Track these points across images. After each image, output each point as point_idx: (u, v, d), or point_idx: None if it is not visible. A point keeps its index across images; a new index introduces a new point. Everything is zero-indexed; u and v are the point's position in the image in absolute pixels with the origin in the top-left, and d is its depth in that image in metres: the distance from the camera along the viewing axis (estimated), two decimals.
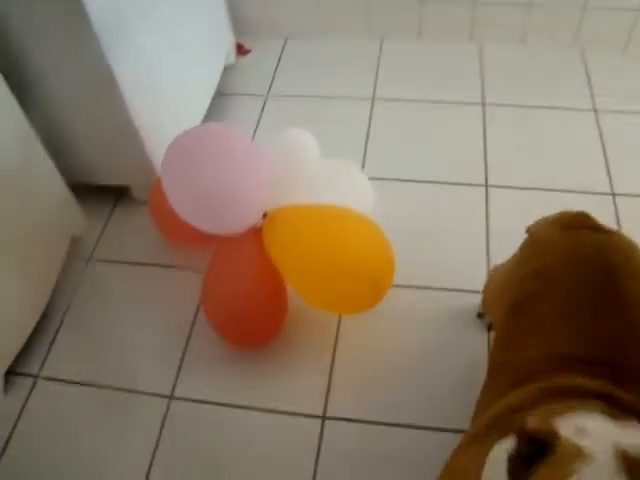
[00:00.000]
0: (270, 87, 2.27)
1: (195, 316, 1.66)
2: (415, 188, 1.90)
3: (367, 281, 1.38)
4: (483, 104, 2.12)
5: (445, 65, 2.28)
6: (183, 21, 1.89)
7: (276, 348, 1.57)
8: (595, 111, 2.07)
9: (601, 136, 1.99)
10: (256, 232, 1.49)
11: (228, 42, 2.30)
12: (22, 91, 1.52)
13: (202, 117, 2.03)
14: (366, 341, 1.58)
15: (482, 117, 2.08)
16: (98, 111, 1.63)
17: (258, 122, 2.14)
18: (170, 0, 1.78)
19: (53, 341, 1.65)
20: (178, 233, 1.68)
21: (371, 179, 1.83)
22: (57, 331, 1.67)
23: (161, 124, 1.75)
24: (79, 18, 1.38)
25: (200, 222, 1.44)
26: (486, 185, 1.88)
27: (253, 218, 1.47)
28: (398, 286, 1.55)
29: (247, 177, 1.41)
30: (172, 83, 1.85)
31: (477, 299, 1.53)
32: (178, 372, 1.56)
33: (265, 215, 1.50)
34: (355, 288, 1.39)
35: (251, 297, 1.46)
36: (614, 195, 1.82)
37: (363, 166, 1.96)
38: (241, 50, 2.40)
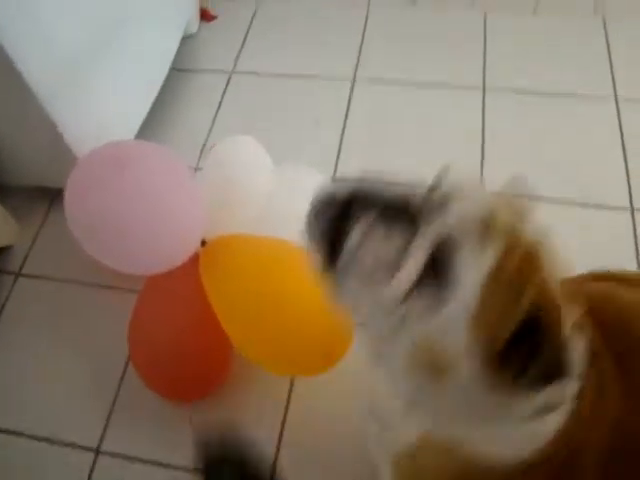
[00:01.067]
0: (236, 62, 1.96)
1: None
2: None
3: (317, 346, 1.12)
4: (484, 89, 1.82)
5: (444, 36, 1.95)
6: None
7: (223, 399, 1.32)
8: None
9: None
10: (194, 262, 1.22)
11: (190, 7, 1.97)
12: None
13: (153, 99, 1.72)
14: (319, 408, 1.31)
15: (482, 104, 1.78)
16: (10, 107, 1.35)
17: (219, 105, 1.84)
18: None
19: None
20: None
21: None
22: None
23: (95, 113, 1.47)
24: None
25: (122, 264, 1.18)
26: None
27: (186, 250, 1.21)
28: None
29: (176, 204, 1.14)
30: (111, 60, 1.54)
31: None
32: (107, 421, 1.33)
33: (204, 243, 1.24)
34: (301, 351, 1.13)
35: (184, 341, 1.20)
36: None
37: (336, 165, 1.68)
38: (206, 16, 2.07)
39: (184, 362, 1.21)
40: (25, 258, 1.60)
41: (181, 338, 1.20)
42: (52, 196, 1.66)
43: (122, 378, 1.38)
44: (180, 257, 1.21)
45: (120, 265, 1.21)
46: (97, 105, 1.50)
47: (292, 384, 1.33)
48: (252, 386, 1.32)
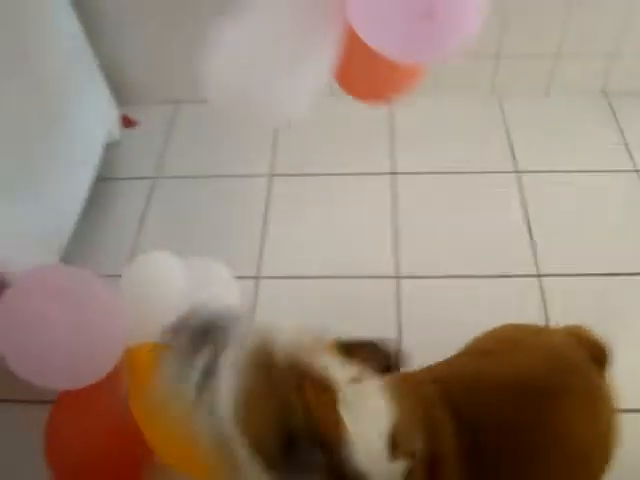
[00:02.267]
0: (160, 166, 2.05)
1: None
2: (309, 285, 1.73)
3: None
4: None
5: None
6: (42, 97, 1.66)
7: None
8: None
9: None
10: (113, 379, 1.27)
11: (110, 115, 2.07)
12: None
13: (79, 210, 1.78)
14: None
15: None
16: None
17: (144, 212, 1.92)
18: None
19: None
20: None
21: (268, 277, 1.73)
22: None
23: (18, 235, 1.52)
24: None
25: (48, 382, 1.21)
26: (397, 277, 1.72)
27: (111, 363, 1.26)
28: None
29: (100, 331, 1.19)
30: (33, 175, 1.61)
31: None
32: None
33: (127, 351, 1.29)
34: None
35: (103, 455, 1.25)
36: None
37: (261, 256, 1.77)
38: (126, 122, 2.16)
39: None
40: None
41: (100, 448, 1.24)
42: None
43: None
44: (104, 368, 1.25)
45: (45, 380, 1.24)
46: (21, 226, 1.55)
47: None
48: None
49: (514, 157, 1.97)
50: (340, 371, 0.81)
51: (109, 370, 1.25)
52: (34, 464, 1.34)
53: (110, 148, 2.06)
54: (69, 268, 1.36)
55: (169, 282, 1.37)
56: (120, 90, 2.13)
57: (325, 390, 0.78)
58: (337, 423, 0.76)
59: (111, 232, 1.86)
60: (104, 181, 1.98)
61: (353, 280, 1.70)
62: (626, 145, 1.98)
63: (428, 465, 0.87)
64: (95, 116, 1.95)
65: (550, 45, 2.02)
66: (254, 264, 1.76)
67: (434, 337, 1.33)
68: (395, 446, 0.81)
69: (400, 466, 0.82)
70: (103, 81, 2.02)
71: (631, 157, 1.95)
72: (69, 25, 1.83)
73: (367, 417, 0.81)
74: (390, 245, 1.77)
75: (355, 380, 0.82)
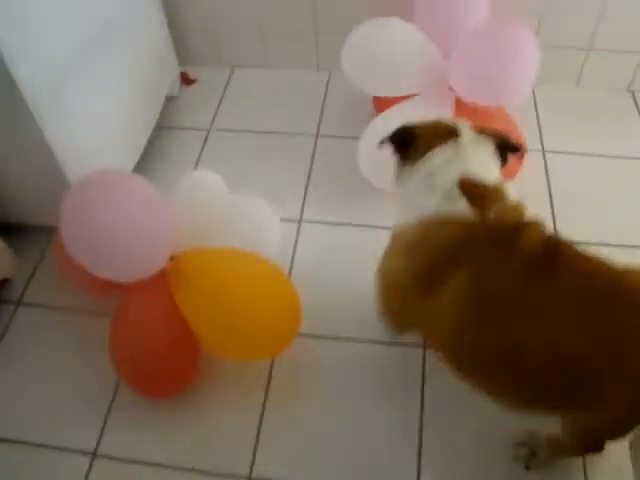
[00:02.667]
0: (213, 121, 2.23)
1: None
2: (351, 230, 1.89)
3: (274, 328, 1.43)
4: None
5: None
6: (121, 51, 1.84)
7: (204, 393, 1.55)
8: None
9: None
10: (163, 276, 1.46)
11: (172, 72, 2.26)
12: None
13: (140, 152, 1.98)
14: (297, 392, 1.57)
15: None
16: (20, 148, 1.58)
17: (199, 158, 2.10)
18: (108, 31, 1.74)
19: None
20: (87, 281, 1.63)
21: (310, 222, 1.89)
22: None
23: (91, 161, 1.70)
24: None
25: (101, 270, 1.40)
26: None
27: (158, 263, 1.44)
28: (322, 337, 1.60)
29: (149, 223, 1.38)
30: (106, 116, 1.80)
31: None
32: (103, 426, 1.52)
33: (172, 258, 1.47)
34: (262, 335, 1.42)
35: (158, 344, 1.44)
36: None
37: (303, 207, 1.95)
38: (186, 80, 2.35)
39: (159, 361, 1.44)
40: (24, 289, 1.79)
41: (155, 340, 1.43)
42: (49, 234, 1.86)
43: (116, 388, 1.58)
44: (153, 267, 1.44)
45: (107, 272, 1.41)
46: (93, 154, 1.74)
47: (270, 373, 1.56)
48: (234, 371, 1.58)
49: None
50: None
51: (159, 267, 1.44)
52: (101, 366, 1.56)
53: (171, 100, 2.25)
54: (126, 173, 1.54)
55: (217, 197, 1.57)
56: (182, 50, 2.32)
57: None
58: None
59: (167, 174, 2.03)
60: (163, 129, 2.17)
61: None
62: None
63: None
64: (160, 71, 2.15)
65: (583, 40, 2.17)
66: (298, 209, 1.94)
67: None
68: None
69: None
70: (170, 39, 2.21)
71: None
72: None
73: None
74: None
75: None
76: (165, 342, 1.44)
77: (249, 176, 2.00)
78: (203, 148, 2.14)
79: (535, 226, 1.17)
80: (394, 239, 1.32)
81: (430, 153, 1.24)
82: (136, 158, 1.96)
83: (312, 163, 2.08)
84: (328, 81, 2.36)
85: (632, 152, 2.07)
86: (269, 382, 1.57)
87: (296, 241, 1.86)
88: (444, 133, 1.26)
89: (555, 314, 1.07)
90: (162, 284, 1.46)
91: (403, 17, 1.79)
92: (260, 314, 1.39)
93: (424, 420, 1.49)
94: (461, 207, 1.17)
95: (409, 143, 1.29)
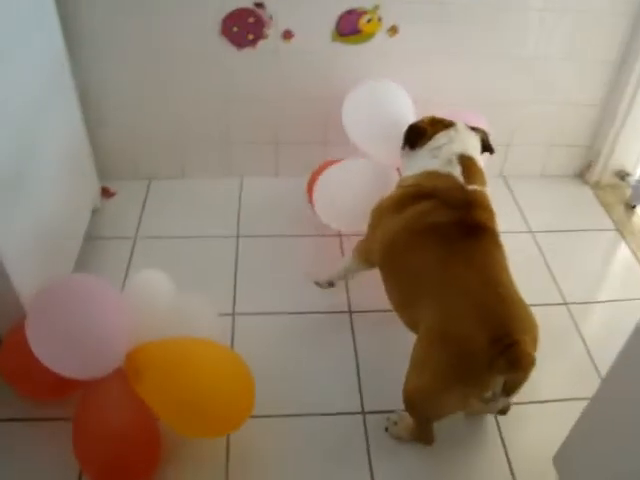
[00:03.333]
0: (138, 229, 2.37)
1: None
2: (281, 320, 2.06)
3: (229, 406, 1.55)
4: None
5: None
6: (43, 168, 1.94)
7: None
8: None
9: None
10: (120, 373, 1.56)
11: (93, 186, 2.39)
12: None
13: (74, 262, 2.07)
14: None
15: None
16: None
17: (129, 264, 2.21)
18: (36, 158, 1.87)
19: None
20: (36, 387, 1.70)
21: (243, 314, 2.04)
22: None
23: (30, 273, 1.77)
24: None
25: (66, 368, 1.49)
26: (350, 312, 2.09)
27: (118, 358, 1.55)
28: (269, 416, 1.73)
29: (110, 322, 1.50)
30: (42, 230, 1.88)
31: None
32: None
33: (127, 355, 1.57)
34: (218, 414, 1.53)
35: (123, 437, 1.50)
36: None
37: (234, 301, 2.10)
38: (106, 193, 2.49)
39: (124, 456, 1.50)
40: None
41: (118, 431, 1.50)
42: None
43: None
44: (113, 364, 1.54)
45: (72, 370, 1.50)
46: (36, 266, 1.82)
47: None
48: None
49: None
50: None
51: (117, 363, 1.54)
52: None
53: (96, 213, 2.38)
54: (88, 276, 1.65)
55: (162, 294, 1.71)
56: (101, 166, 2.47)
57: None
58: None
59: None
60: (92, 240, 2.28)
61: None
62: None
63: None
64: (83, 185, 2.28)
65: None
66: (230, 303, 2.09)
67: None
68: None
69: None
70: (91, 157, 2.36)
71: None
72: (72, 114, 2.19)
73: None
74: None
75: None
76: (128, 437, 1.51)
77: (179, 278, 2.13)
78: (132, 255, 2.26)
79: (484, 211, 1.66)
80: (397, 185, 1.84)
81: (437, 135, 1.80)
82: (70, 267, 2.04)
83: (237, 260, 2.26)
84: (241, 185, 2.59)
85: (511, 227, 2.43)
86: (227, 461, 1.66)
87: (232, 332, 1.99)
88: (444, 125, 1.83)
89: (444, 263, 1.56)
90: (119, 379, 1.55)
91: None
92: (219, 394, 1.51)
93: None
94: (456, 171, 1.70)
95: (421, 135, 1.83)
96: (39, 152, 1.88)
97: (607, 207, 2.63)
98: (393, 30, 2.27)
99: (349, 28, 2.23)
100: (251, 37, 2.22)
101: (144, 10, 2.14)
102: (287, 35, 2.23)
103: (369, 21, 2.23)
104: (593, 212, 2.62)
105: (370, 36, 2.27)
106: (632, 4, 2.31)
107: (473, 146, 1.81)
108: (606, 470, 1.31)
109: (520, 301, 1.51)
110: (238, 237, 2.36)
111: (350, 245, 2.04)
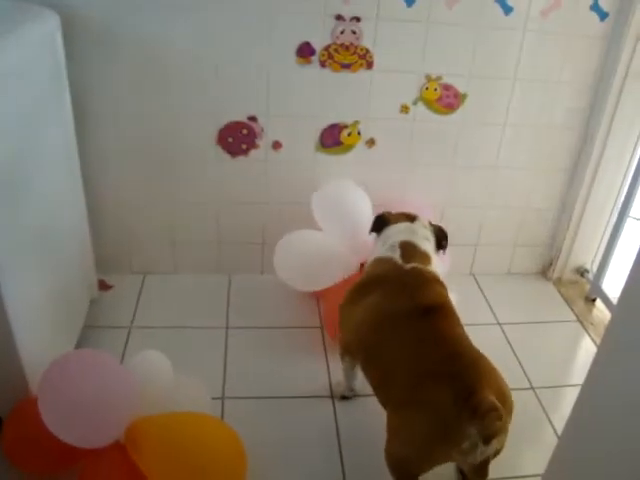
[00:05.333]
0: (133, 319, 2.52)
1: None
2: (270, 403, 2.19)
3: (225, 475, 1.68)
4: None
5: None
6: (50, 263, 2.11)
7: None
8: None
9: None
10: (119, 445, 1.67)
11: (92, 279, 2.56)
12: None
13: (73, 348, 2.20)
14: None
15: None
16: None
17: (124, 351, 2.35)
18: (40, 245, 2.01)
19: None
20: (38, 461, 1.79)
21: (232, 398, 2.17)
22: None
23: (37, 355, 1.89)
24: None
25: (71, 437, 1.60)
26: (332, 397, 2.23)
27: (119, 431, 1.66)
28: None
29: (114, 394, 1.63)
30: (47, 318, 2.03)
31: None
32: None
33: (127, 428, 1.68)
34: None
35: None
36: None
37: (224, 386, 2.23)
38: (103, 286, 2.65)
39: None
40: None
41: None
42: None
43: None
44: (115, 434, 1.66)
45: (76, 438, 1.61)
46: (41, 354, 1.95)
47: None
48: None
49: None
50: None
51: (118, 434, 1.66)
52: None
53: (94, 303, 2.53)
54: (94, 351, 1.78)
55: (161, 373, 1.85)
56: (98, 260, 2.64)
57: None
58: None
59: None
60: (90, 329, 2.42)
61: None
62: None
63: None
64: (82, 279, 2.46)
65: None
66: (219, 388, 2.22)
67: None
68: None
69: None
70: (91, 252, 2.55)
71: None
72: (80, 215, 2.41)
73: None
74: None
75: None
76: None
77: (172, 364, 2.27)
78: (127, 343, 2.39)
79: (434, 289, 1.88)
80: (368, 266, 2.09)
81: (393, 226, 2.07)
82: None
83: (226, 349, 2.40)
84: (229, 281, 2.78)
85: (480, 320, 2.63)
86: None
87: (222, 414, 2.11)
88: (404, 217, 2.11)
89: (403, 344, 1.75)
90: (118, 451, 1.66)
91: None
92: (214, 466, 1.64)
93: None
94: (396, 254, 1.97)
95: (385, 223, 2.11)
96: (54, 240, 2.08)
97: (569, 301, 2.86)
98: (371, 142, 2.56)
99: (331, 140, 2.53)
100: (244, 147, 2.50)
101: (147, 120, 2.42)
102: (276, 145, 2.52)
103: (349, 134, 2.53)
104: (556, 305, 2.85)
105: (350, 147, 2.57)
106: (580, 120, 2.65)
107: (423, 236, 2.05)
108: None
109: (480, 359, 1.69)
110: (227, 328, 2.52)
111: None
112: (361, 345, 1.92)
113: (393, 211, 2.19)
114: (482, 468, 1.67)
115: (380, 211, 2.20)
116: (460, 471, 1.88)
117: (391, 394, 1.75)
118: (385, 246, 2.03)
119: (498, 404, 1.52)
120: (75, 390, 1.57)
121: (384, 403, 1.80)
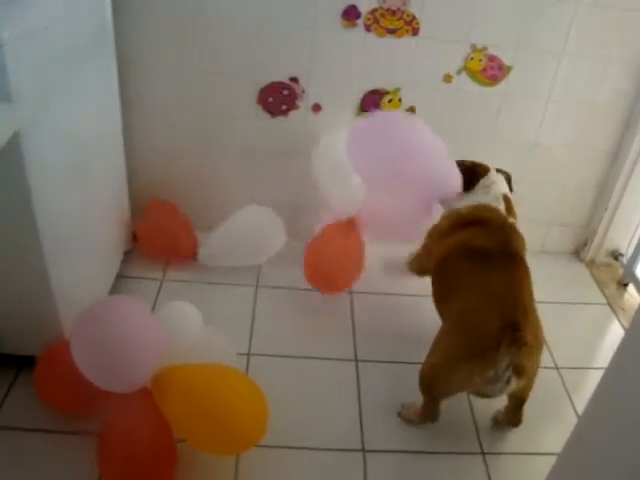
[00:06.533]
0: (165, 272, 2.58)
1: None
2: (294, 363, 2.23)
3: (243, 430, 1.70)
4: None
5: None
6: (88, 207, 2.14)
7: None
8: None
9: None
10: (145, 391, 1.72)
11: (126, 229, 2.61)
12: None
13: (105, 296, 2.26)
14: None
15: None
16: (19, 279, 1.80)
17: (155, 303, 2.40)
18: (79, 187, 2.04)
19: None
20: (68, 402, 1.88)
21: (257, 355, 2.23)
22: None
23: (72, 300, 1.94)
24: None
25: (100, 381, 1.66)
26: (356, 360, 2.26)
27: (146, 377, 1.71)
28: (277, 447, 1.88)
29: (145, 341, 1.68)
30: (85, 264, 2.10)
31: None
32: None
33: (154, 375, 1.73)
34: (233, 435, 1.69)
35: (143, 452, 1.66)
36: None
37: (250, 342, 2.28)
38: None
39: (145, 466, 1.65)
40: None
41: (141, 447, 1.66)
42: (22, 362, 2.02)
43: None
44: (141, 381, 1.70)
45: (107, 382, 1.68)
46: (74, 294, 2.00)
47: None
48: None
49: None
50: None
51: (146, 380, 1.71)
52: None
53: (127, 254, 2.60)
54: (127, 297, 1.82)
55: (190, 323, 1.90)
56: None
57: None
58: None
59: None
60: (123, 278, 2.49)
61: None
62: None
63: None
64: (118, 228, 2.51)
65: None
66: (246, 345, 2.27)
67: None
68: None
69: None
70: (127, 198, 2.60)
71: None
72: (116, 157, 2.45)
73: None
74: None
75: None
76: (149, 448, 1.66)
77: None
78: (158, 295, 2.45)
79: (523, 245, 2.09)
80: (446, 215, 2.24)
81: (486, 177, 2.22)
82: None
83: (254, 307, 2.44)
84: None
85: None
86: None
87: (247, 370, 2.15)
88: (484, 168, 2.25)
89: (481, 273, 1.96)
90: (144, 397, 1.71)
91: None
92: (235, 415, 1.67)
93: None
94: (501, 207, 2.14)
95: (481, 175, 2.23)
96: (92, 184, 2.13)
97: (600, 284, 2.83)
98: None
99: (372, 106, 2.51)
100: (284, 107, 2.50)
101: (188, 75, 2.45)
102: (316, 108, 2.51)
103: (390, 101, 2.51)
104: (587, 287, 2.82)
105: None
106: (626, 101, 2.58)
107: (506, 187, 2.24)
108: None
109: (534, 312, 1.91)
110: (257, 287, 2.56)
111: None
112: (440, 265, 2.14)
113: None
114: (516, 412, 1.99)
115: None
116: (494, 419, 2.08)
117: (450, 310, 1.98)
118: (489, 196, 2.17)
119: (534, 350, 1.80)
120: (107, 335, 1.61)
121: (442, 315, 2.05)
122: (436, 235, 2.25)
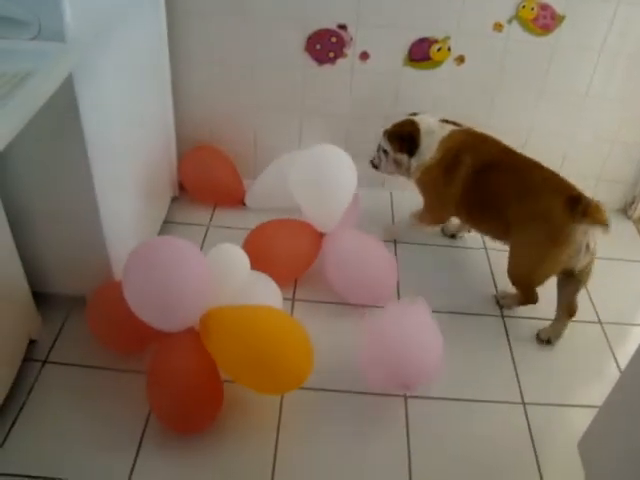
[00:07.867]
0: (211, 218, 2.62)
1: (148, 415, 1.83)
2: (337, 309, 2.27)
3: (289, 371, 1.74)
4: None
5: None
6: (138, 154, 2.19)
7: (225, 432, 1.80)
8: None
9: None
10: (193, 331, 1.78)
11: (174, 176, 2.65)
12: None
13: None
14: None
15: None
16: (72, 219, 1.85)
17: (201, 248, 2.44)
18: (130, 134, 2.09)
19: (7, 437, 1.75)
20: (118, 340, 1.94)
21: (302, 301, 2.27)
22: (10, 427, 1.77)
23: (121, 241, 1.99)
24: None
25: (153, 320, 1.71)
26: None
27: (194, 317, 1.76)
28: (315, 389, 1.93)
29: (193, 282, 1.70)
30: (135, 207, 2.16)
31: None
32: (133, 465, 1.72)
33: (202, 315, 1.77)
34: (279, 375, 1.73)
35: (190, 389, 1.72)
36: None
37: (295, 288, 2.32)
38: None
39: (191, 401, 1.72)
40: (50, 349, 2.00)
41: (189, 384, 1.72)
42: (72, 301, 2.10)
43: (143, 432, 1.79)
44: (191, 321, 1.76)
45: (154, 321, 1.72)
46: (123, 237, 2.04)
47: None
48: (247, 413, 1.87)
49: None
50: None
51: (195, 320, 1.76)
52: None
53: (174, 200, 2.64)
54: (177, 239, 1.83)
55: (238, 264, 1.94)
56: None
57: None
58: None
59: None
60: (170, 224, 2.54)
61: None
62: None
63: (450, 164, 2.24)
64: (167, 175, 2.55)
65: None
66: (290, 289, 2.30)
67: None
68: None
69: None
70: (175, 153, 2.63)
71: None
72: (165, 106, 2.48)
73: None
74: None
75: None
76: (196, 385, 1.73)
77: None
78: (204, 241, 2.49)
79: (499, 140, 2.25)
80: (425, 168, 2.31)
81: (420, 125, 2.30)
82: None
83: None
84: None
85: None
86: (279, 423, 1.85)
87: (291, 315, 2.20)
88: (410, 123, 2.32)
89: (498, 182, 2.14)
90: (191, 337, 1.77)
91: None
92: (281, 354, 1.71)
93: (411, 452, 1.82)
94: (451, 126, 2.31)
95: (416, 137, 2.29)
96: (143, 132, 2.18)
97: None
98: (460, 59, 2.50)
99: (420, 55, 2.48)
100: (332, 55, 2.48)
101: (235, 21, 2.44)
102: (364, 56, 2.49)
103: (439, 50, 2.47)
104: (633, 244, 2.78)
105: (438, 64, 2.51)
106: None
107: (431, 116, 2.35)
108: (629, 453, 1.44)
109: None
110: None
111: None
112: (465, 198, 2.23)
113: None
114: (573, 300, 2.16)
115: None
116: (537, 336, 2.22)
117: (507, 224, 2.11)
118: (436, 134, 2.27)
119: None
120: (157, 274, 1.65)
121: (502, 237, 2.23)
122: (440, 183, 2.29)
